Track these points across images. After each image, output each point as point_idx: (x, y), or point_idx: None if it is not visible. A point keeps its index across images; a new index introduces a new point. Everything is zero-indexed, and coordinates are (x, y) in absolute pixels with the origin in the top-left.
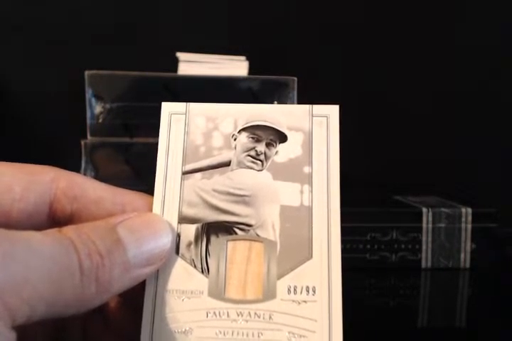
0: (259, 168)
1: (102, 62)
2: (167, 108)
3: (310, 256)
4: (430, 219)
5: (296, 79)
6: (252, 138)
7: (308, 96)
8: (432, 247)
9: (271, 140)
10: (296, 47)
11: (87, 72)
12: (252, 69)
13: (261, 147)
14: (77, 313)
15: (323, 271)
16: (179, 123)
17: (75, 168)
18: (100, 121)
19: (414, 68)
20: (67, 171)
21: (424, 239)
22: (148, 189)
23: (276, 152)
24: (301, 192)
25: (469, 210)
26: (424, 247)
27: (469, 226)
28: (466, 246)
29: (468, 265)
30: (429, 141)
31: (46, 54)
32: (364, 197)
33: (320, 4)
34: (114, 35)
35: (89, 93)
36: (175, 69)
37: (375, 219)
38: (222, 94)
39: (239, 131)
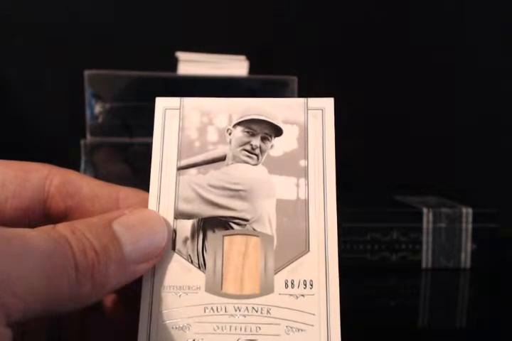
0: (255, 162)
1: (102, 62)
2: (161, 103)
3: (307, 250)
4: (430, 219)
5: (296, 79)
6: (247, 132)
7: (308, 96)
8: (433, 247)
9: (266, 134)
10: (296, 47)
11: (86, 72)
12: (252, 69)
13: (256, 141)
14: (73, 310)
15: (321, 264)
16: (173, 118)
17: (74, 167)
18: (100, 121)
19: (414, 68)
20: (61, 168)
21: (424, 239)
22: (148, 188)
23: (272, 146)
24: (297, 185)
25: (470, 210)
26: (424, 247)
27: (470, 226)
28: (467, 246)
29: (468, 265)
30: (429, 140)
31: (46, 54)
32: (364, 197)
33: (320, 4)
34: (114, 35)
35: (88, 93)
36: (175, 69)
37: (375, 219)
38: (222, 94)
39: (234, 126)
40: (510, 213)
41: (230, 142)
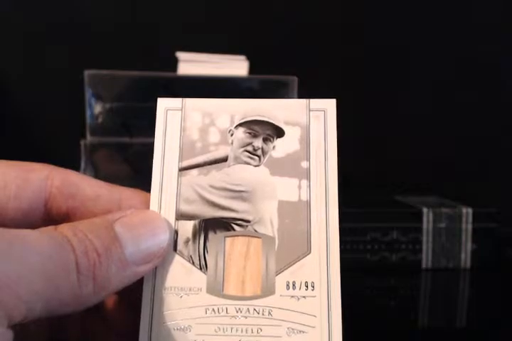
0: (257, 163)
1: (102, 62)
2: (163, 104)
3: (308, 251)
4: (430, 219)
5: (296, 79)
6: (249, 133)
7: (308, 97)
8: (433, 247)
9: (268, 135)
10: (296, 47)
11: (86, 72)
12: (252, 69)
13: (258, 142)
14: (74, 311)
15: (322, 266)
16: (175, 119)
17: (74, 167)
18: (100, 121)
19: (414, 68)
20: (62, 168)
21: (424, 239)
22: (148, 189)
23: (274, 147)
24: (299, 187)
25: (470, 210)
26: (424, 247)
27: (470, 226)
28: (467, 246)
29: (468, 265)
30: (429, 140)
31: (46, 54)
32: (364, 197)
33: (320, 4)
34: (114, 35)
35: (88, 93)
36: (175, 69)
37: (375, 219)
38: (222, 94)
39: (235, 126)
40: (510, 213)
41: (232, 143)
